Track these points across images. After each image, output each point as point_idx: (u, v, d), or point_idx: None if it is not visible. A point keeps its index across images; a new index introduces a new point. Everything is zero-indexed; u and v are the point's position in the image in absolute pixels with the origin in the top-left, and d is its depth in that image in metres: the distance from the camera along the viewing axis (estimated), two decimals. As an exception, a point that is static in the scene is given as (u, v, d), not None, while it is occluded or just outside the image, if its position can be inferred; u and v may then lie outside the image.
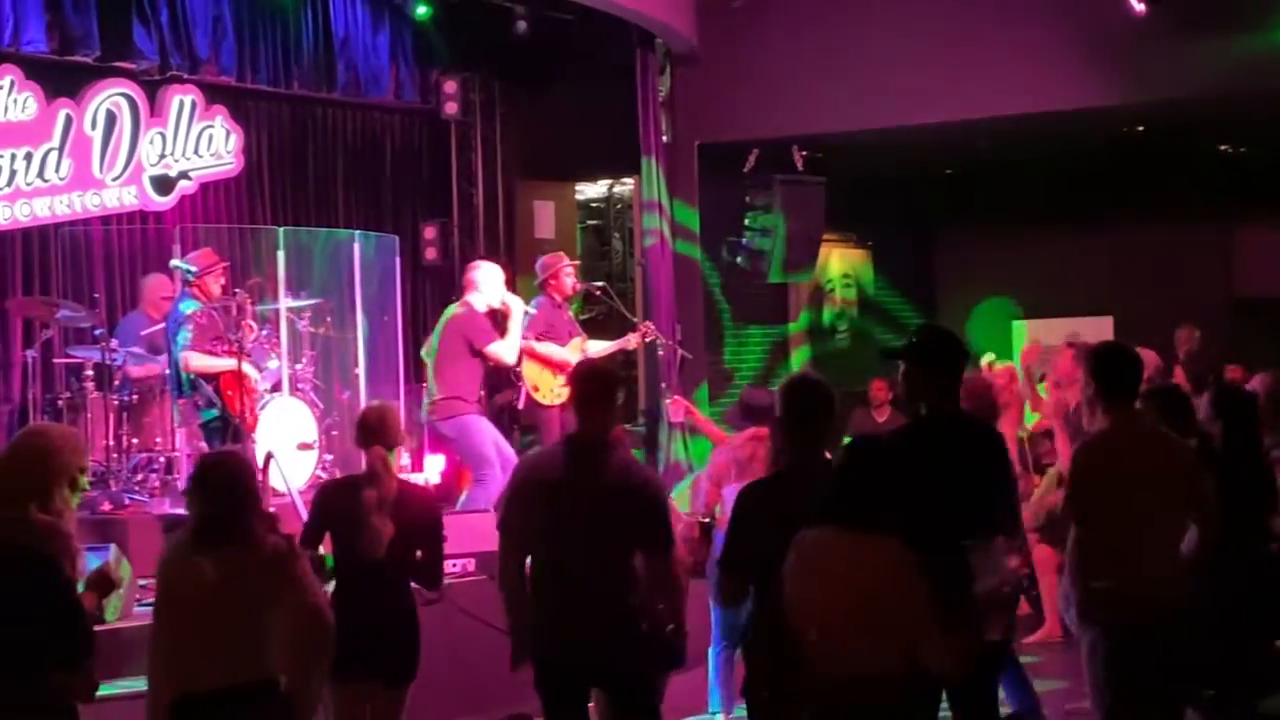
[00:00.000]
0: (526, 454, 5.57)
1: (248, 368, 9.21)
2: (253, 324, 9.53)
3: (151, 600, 7.55)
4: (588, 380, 5.52)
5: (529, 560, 5.43)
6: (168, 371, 9.57)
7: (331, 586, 5.95)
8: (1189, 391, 7.03)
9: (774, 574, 4.67)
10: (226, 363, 9.04)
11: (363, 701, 5.86)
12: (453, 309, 9.81)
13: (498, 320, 9.74)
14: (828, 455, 4.99)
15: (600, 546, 5.25)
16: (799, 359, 14.54)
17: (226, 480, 4.82)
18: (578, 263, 10.90)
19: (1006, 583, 5.19)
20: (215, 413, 9.21)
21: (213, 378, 9.15)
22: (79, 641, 4.37)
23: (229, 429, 9.20)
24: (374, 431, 6.04)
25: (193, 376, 9.13)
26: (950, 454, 5.11)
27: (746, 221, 12.96)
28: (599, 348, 9.75)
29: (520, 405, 10.84)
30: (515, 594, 5.38)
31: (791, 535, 4.62)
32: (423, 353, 10.02)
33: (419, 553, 6.05)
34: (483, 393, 9.90)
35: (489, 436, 9.55)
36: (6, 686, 4.23)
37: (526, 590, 5.36)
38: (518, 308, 9.68)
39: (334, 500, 6.05)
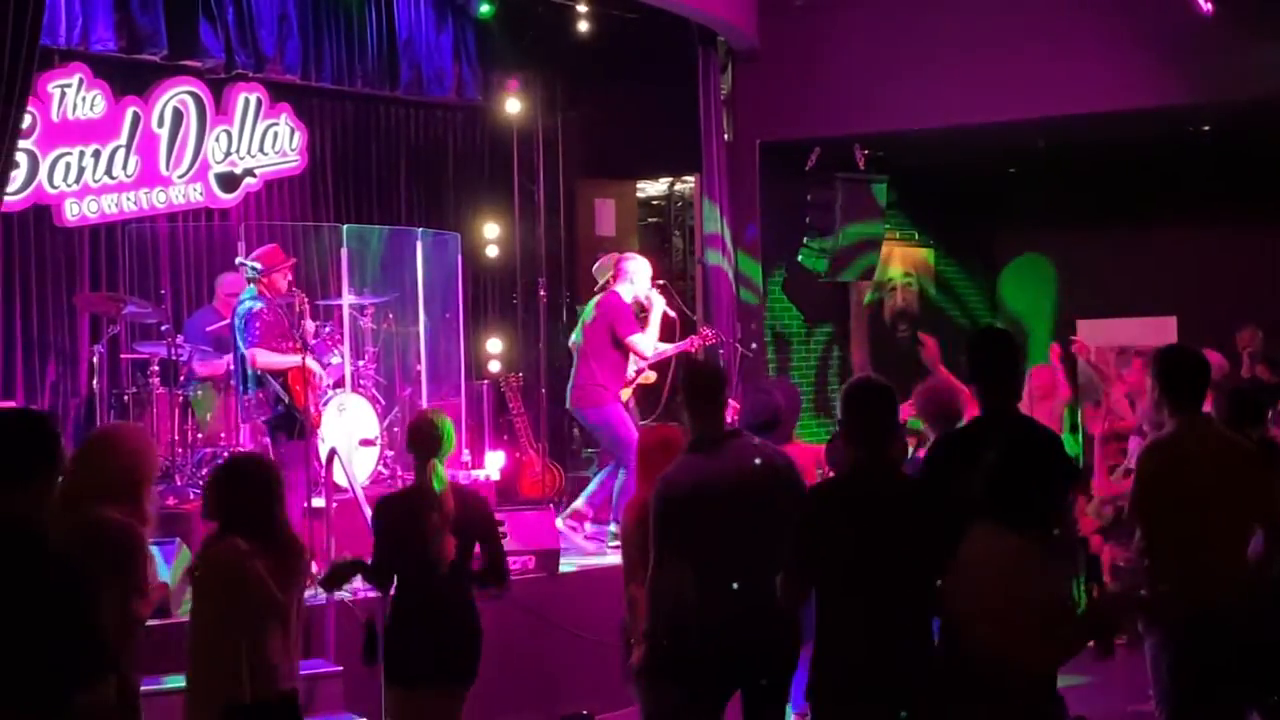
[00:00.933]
0: (662, 474, 5.54)
1: (312, 363, 9.28)
2: (311, 322, 9.61)
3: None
4: (700, 380, 5.59)
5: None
6: (233, 367, 9.67)
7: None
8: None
9: (840, 576, 4.68)
10: (293, 359, 9.11)
11: (425, 705, 5.91)
12: (597, 298, 9.86)
13: (639, 314, 9.78)
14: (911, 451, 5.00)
15: (754, 538, 5.28)
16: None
17: (253, 478, 4.93)
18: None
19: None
20: (282, 408, 9.28)
21: (280, 373, 9.22)
22: (88, 657, 4.11)
23: (295, 424, 9.27)
24: (427, 442, 6.03)
25: (259, 372, 9.20)
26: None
27: (808, 220, 12.94)
28: (652, 336, 9.75)
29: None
30: (669, 602, 5.37)
31: (859, 539, 4.64)
32: (570, 341, 10.08)
33: (480, 553, 6.09)
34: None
35: (634, 425, 9.57)
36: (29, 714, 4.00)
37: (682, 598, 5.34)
38: (659, 303, 9.75)
39: (394, 516, 6.05)
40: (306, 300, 9.65)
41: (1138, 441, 8.15)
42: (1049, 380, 10.76)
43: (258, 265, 9.29)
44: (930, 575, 4.68)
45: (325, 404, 9.69)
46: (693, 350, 10.12)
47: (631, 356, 9.72)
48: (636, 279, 9.80)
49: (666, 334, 9.97)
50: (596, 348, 9.64)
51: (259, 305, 9.19)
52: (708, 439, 5.46)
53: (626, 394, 9.96)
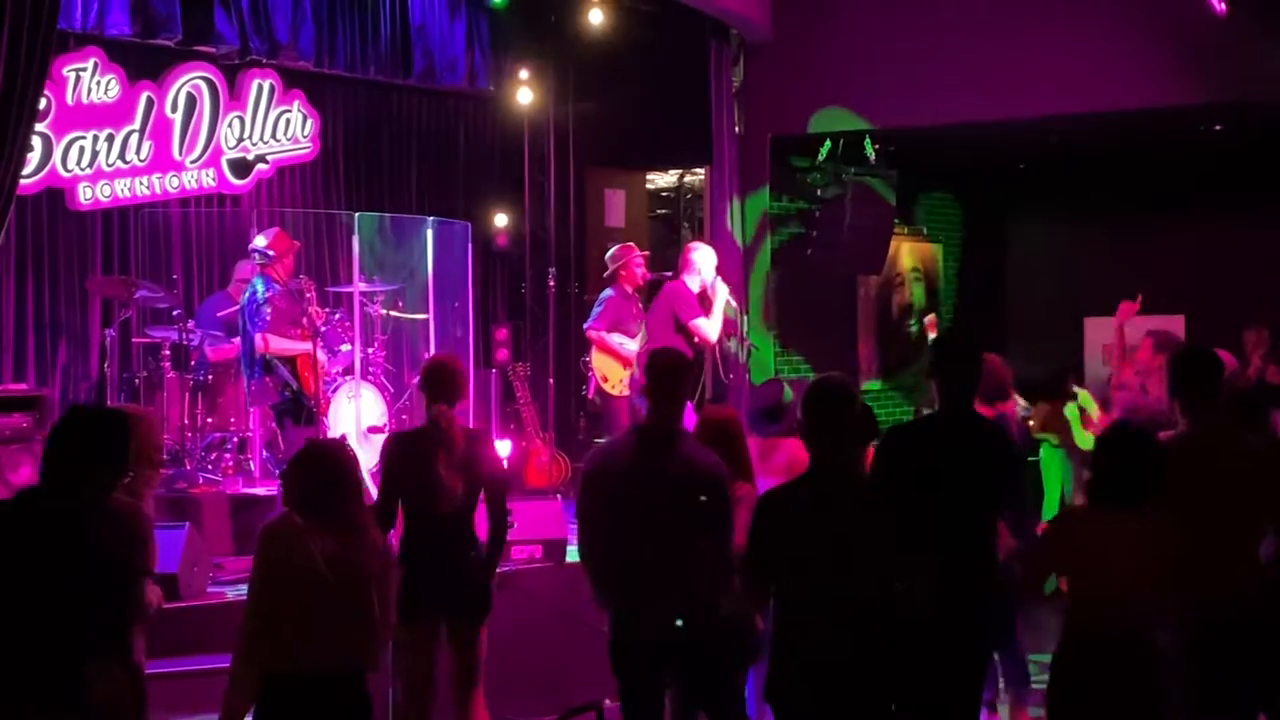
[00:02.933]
0: (597, 444, 5.66)
1: (319, 352, 9.32)
2: (319, 310, 9.65)
3: (228, 579, 7.75)
4: (660, 370, 5.59)
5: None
6: (241, 352, 9.70)
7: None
8: None
9: (796, 577, 4.73)
10: (302, 345, 9.14)
11: (432, 642, 6.06)
12: (665, 287, 9.94)
13: (704, 300, 9.86)
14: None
15: (667, 535, 5.30)
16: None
17: (332, 466, 4.92)
18: (648, 253, 10.94)
19: None
20: (289, 394, 9.32)
21: (288, 359, 9.26)
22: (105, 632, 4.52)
23: (302, 410, 9.32)
24: (437, 384, 6.14)
25: (268, 357, 9.23)
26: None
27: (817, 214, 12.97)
28: (716, 323, 9.79)
29: (590, 395, 10.91)
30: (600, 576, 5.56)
31: (823, 541, 4.69)
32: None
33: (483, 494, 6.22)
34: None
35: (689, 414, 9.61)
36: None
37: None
38: (723, 291, 9.84)
39: (403, 454, 6.15)
40: (313, 286, 9.69)
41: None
42: (1150, 358, 10.45)
43: (270, 252, 9.33)
44: (886, 574, 4.75)
45: (333, 391, 9.73)
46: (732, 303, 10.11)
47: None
48: (703, 268, 9.87)
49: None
50: (657, 333, 9.70)
51: (269, 291, 9.23)
52: (653, 428, 5.52)
53: (626, 390, 10.04)
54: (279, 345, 9.11)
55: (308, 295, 9.42)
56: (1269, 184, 13.57)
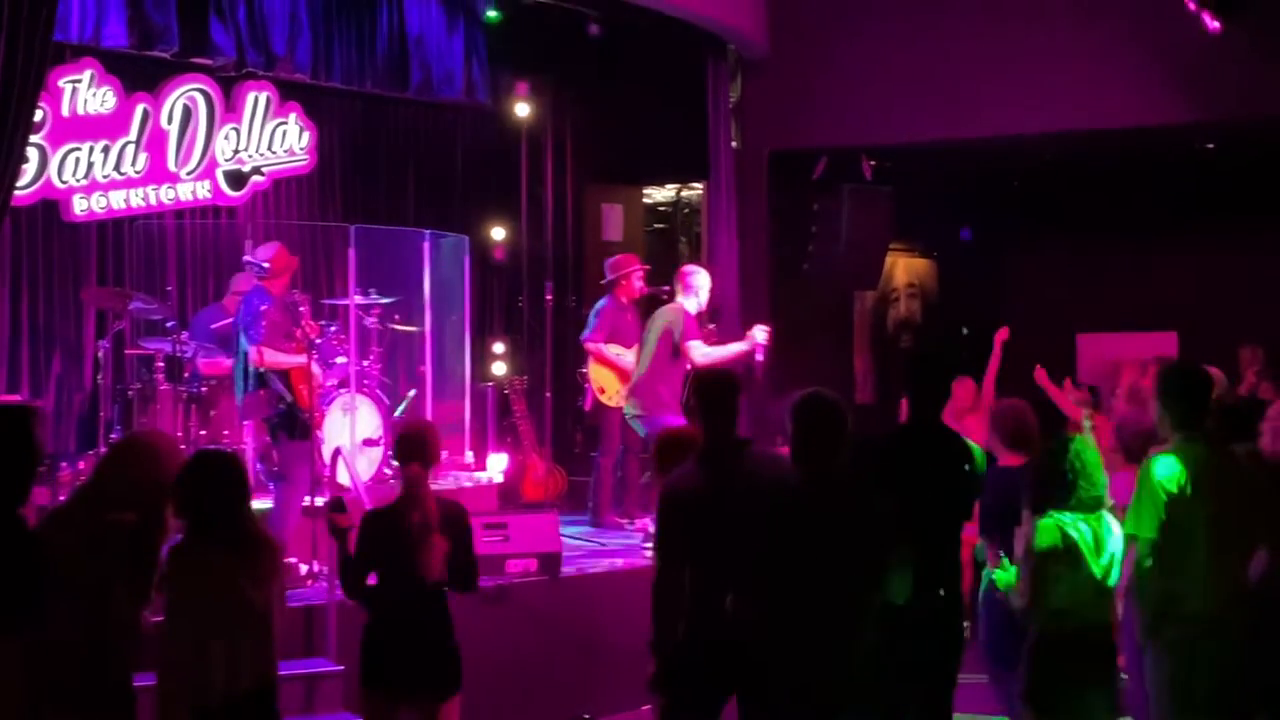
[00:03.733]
0: (668, 476, 5.54)
1: (313, 365, 9.28)
2: (313, 323, 9.62)
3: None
4: (711, 389, 5.57)
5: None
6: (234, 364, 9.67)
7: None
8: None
9: (789, 589, 4.77)
10: (297, 358, 9.10)
11: (393, 714, 5.89)
12: (663, 309, 9.88)
13: (703, 322, 9.85)
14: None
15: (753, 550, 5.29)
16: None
17: (223, 475, 4.89)
18: (648, 266, 10.93)
19: None
20: (283, 407, 9.27)
21: (282, 372, 9.21)
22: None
23: (295, 424, 9.27)
24: (413, 449, 6.01)
25: (262, 370, 9.19)
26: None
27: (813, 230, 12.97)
28: (720, 352, 9.68)
29: (587, 407, 10.89)
30: (670, 610, 5.35)
31: (805, 553, 4.70)
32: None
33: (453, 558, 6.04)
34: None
35: None
36: None
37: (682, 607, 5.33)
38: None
39: (379, 531, 5.95)
40: (308, 300, 9.65)
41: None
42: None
43: (266, 265, 9.29)
44: (872, 582, 4.85)
45: (328, 404, 9.71)
46: (752, 352, 9.92)
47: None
48: (701, 291, 9.81)
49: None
50: (654, 357, 9.64)
51: (264, 303, 9.19)
52: (716, 449, 5.45)
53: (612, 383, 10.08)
54: (272, 358, 9.04)
55: (301, 309, 9.38)
56: (1262, 202, 13.60)
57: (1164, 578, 5.34)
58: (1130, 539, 5.45)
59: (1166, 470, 5.36)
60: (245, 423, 9.74)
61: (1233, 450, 5.61)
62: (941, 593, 5.46)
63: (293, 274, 9.58)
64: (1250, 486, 5.45)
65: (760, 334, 9.56)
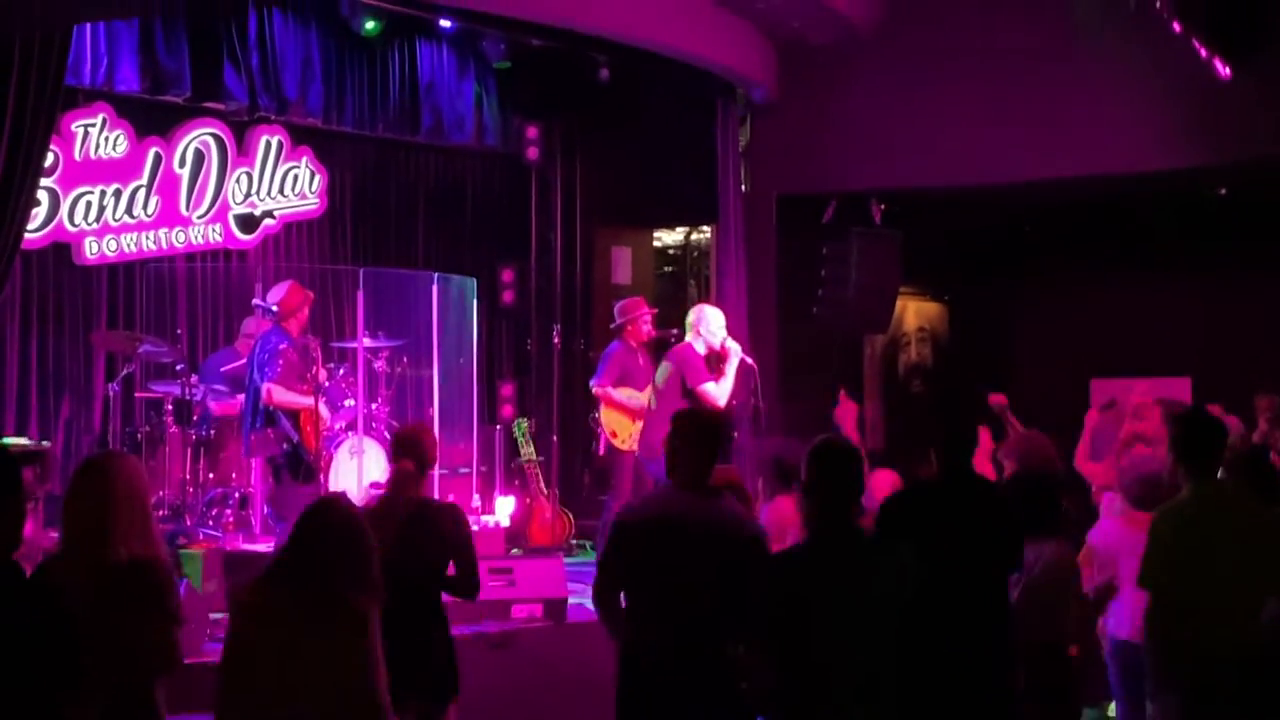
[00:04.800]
0: (630, 501, 5.57)
1: (322, 408, 9.29)
2: (324, 370, 9.65)
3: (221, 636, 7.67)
4: (692, 426, 5.52)
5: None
6: (244, 402, 9.68)
7: None
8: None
9: (806, 641, 4.70)
10: (306, 400, 9.12)
11: None
12: (672, 350, 9.83)
13: (714, 362, 9.74)
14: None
15: (700, 594, 5.26)
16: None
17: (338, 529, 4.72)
18: (656, 310, 10.91)
19: None
20: (289, 447, 9.28)
21: (291, 413, 9.21)
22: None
23: (300, 465, 9.28)
24: (404, 446, 6.06)
25: (271, 409, 9.20)
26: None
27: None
28: (728, 382, 9.64)
29: (600, 451, 10.82)
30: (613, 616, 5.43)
31: (824, 605, 4.65)
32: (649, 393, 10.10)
33: (451, 565, 6.03)
34: None
35: None
36: None
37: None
38: (736, 351, 9.62)
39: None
40: (319, 345, 9.66)
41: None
42: (1160, 426, 10.38)
43: (275, 308, 9.32)
44: (892, 634, 4.72)
45: (335, 447, 9.71)
46: (745, 362, 9.88)
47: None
48: (707, 329, 9.67)
49: (743, 381, 9.87)
50: (664, 397, 9.56)
51: (282, 343, 9.18)
52: (690, 482, 5.39)
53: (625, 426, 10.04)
54: (283, 397, 9.05)
55: (314, 354, 9.41)
56: (1276, 246, 13.57)
57: (1177, 626, 5.31)
58: (1144, 587, 5.42)
59: (1180, 519, 5.33)
60: (251, 460, 9.76)
61: (1248, 497, 5.58)
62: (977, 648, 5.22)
63: (309, 311, 9.59)
64: (1263, 534, 5.41)
65: (734, 344, 9.53)
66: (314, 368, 9.36)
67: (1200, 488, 5.44)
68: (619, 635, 5.40)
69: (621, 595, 5.42)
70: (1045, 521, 5.99)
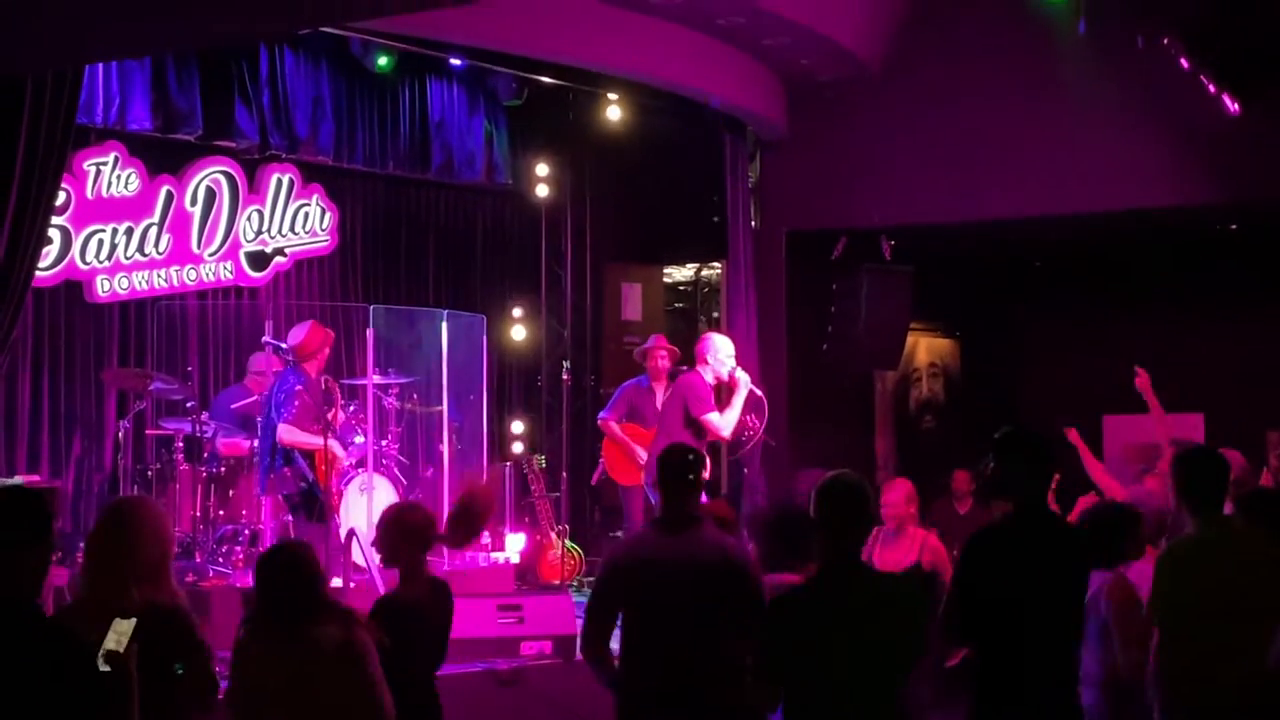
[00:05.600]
0: (614, 547, 5.62)
1: (335, 446, 9.31)
2: (343, 412, 9.71)
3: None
4: (672, 460, 5.59)
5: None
6: (254, 444, 9.70)
7: None
8: None
9: (811, 679, 4.68)
10: (318, 441, 9.13)
11: None
12: (680, 379, 9.78)
13: (722, 392, 9.67)
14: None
15: (699, 625, 5.26)
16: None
17: (290, 568, 4.83)
18: (677, 350, 10.86)
19: None
20: (305, 485, 9.29)
21: (307, 453, 9.21)
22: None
23: (315, 504, 9.28)
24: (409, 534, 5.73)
25: (288, 450, 9.23)
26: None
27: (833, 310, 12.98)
28: (734, 411, 9.60)
29: (593, 482, 10.85)
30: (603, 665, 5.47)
31: (828, 641, 4.64)
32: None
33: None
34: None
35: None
36: None
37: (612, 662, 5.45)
38: (744, 381, 9.53)
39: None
40: (335, 386, 9.69)
41: None
42: None
43: (285, 345, 9.34)
44: (903, 671, 4.70)
45: (346, 484, 9.72)
46: (753, 392, 9.81)
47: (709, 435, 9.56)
48: (715, 358, 9.52)
49: (754, 412, 9.81)
50: (669, 426, 9.52)
51: (299, 383, 9.20)
52: (669, 520, 5.46)
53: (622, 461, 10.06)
54: (294, 438, 9.07)
55: (333, 395, 9.45)
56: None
57: (1186, 662, 5.29)
58: (1152, 623, 5.40)
59: (1187, 556, 5.32)
60: (264, 498, 9.77)
61: (1253, 534, 5.57)
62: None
63: (330, 351, 9.61)
64: (1270, 571, 5.39)
65: (744, 374, 9.50)
66: (331, 409, 9.38)
67: (1206, 524, 5.43)
68: (608, 682, 5.45)
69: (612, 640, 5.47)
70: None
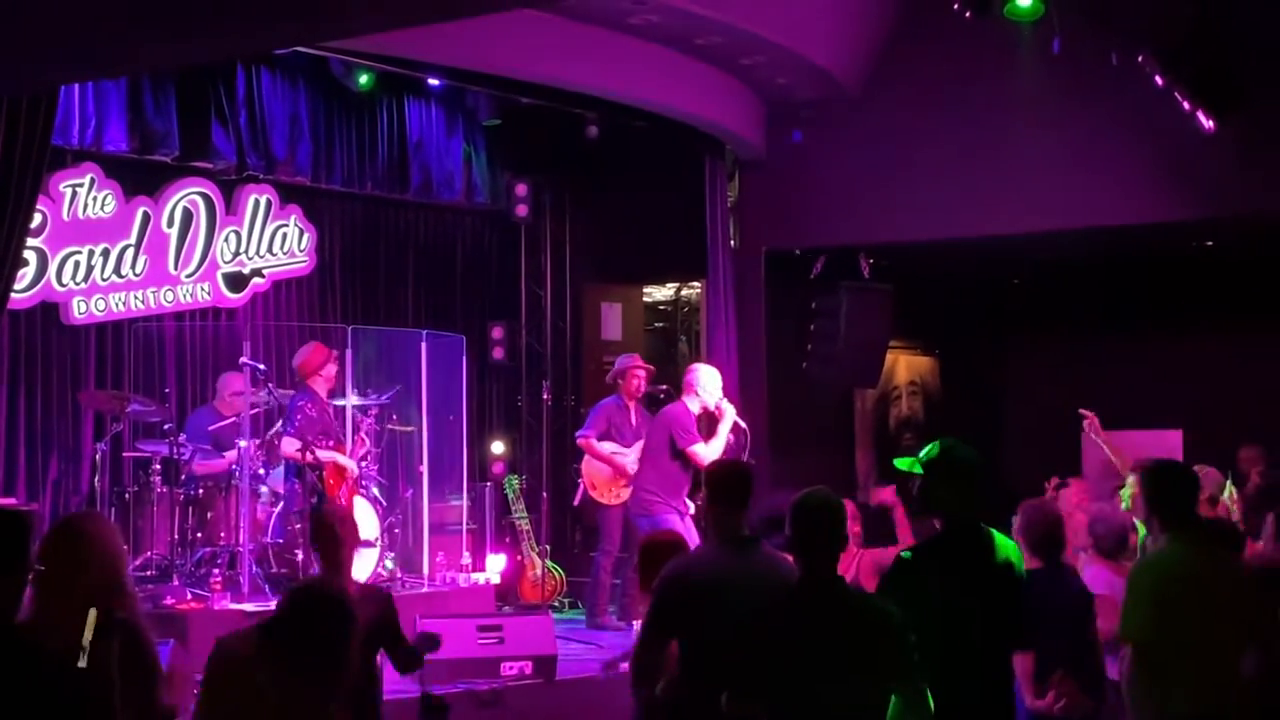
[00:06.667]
0: (675, 561, 5.55)
1: (347, 461, 9.78)
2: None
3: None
4: (727, 480, 5.58)
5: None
6: (233, 465, 9.74)
7: None
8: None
9: (789, 694, 4.65)
10: (322, 455, 9.48)
11: None
12: (665, 408, 9.87)
13: (709, 422, 9.72)
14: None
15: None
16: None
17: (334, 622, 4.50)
18: (652, 368, 10.92)
19: None
20: (316, 500, 9.61)
21: (318, 468, 9.46)
22: None
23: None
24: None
25: (299, 465, 9.51)
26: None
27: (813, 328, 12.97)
28: (719, 442, 9.60)
29: (575, 503, 10.85)
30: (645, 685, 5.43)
31: (803, 666, 4.62)
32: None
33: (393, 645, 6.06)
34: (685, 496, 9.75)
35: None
36: None
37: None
38: (730, 413, 9.62)
39: None
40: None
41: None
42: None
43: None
44: (881, 689, 4.68)
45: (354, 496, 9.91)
46: (737, 425, 9.80)
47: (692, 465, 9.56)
48: (707, 389, 9.69)
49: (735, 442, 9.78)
50: (654, 455, 9.62)
51: (302, 400, 9.68)
52: (729, 538, 5.45)
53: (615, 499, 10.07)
54: (291, 450, 9.46)
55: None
56: (1264, 299, 13.61)
57: (1157, 680, 5.28)
58: (1124, 638, 5.39)
59: (1157, 572, 5.31)
60: (239, 519, 9.77)
61: (1221, 550, 5.57)
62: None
63: (335, 372, 10.01)
64: (1239, 587, 5.40)
65: (729, 406, 9.56)
66: (336, 424, 9.91)
67: (1175, 539, 5.42)
68: (647, 691, 5.40)
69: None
70: None
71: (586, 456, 10.60)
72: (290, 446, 9.57)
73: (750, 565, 5.35)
